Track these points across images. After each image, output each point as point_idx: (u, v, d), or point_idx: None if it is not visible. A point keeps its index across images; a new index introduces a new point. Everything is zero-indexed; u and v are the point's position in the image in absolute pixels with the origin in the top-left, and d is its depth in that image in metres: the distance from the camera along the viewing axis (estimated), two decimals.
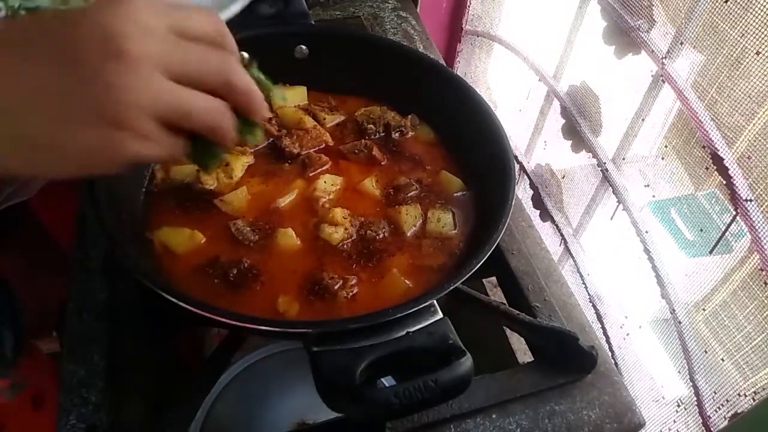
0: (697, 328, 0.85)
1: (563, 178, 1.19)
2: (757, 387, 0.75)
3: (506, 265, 0.84)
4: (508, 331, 1.09)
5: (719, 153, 0.76)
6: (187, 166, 0.78)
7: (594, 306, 1.09)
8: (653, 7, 0.87)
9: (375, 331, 0.54)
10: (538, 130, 1.28)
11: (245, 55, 0.51)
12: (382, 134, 0.88)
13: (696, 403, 0.83)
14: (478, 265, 0.62)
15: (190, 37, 0.41)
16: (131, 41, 0.37)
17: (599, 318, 1.07)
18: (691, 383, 0.84)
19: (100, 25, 0.37)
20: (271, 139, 0.84)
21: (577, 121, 1.09)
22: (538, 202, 1.27)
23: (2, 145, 0.37)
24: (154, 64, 0.39)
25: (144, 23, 0.39)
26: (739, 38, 0.72)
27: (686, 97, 0.81)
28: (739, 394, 0.77)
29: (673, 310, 0.87)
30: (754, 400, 0.75)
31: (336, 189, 0.79)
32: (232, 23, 0.84)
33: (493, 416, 0.70)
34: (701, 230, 0.88)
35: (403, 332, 0.55)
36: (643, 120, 0.94)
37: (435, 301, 0.58)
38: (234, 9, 0.81)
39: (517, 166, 1.11)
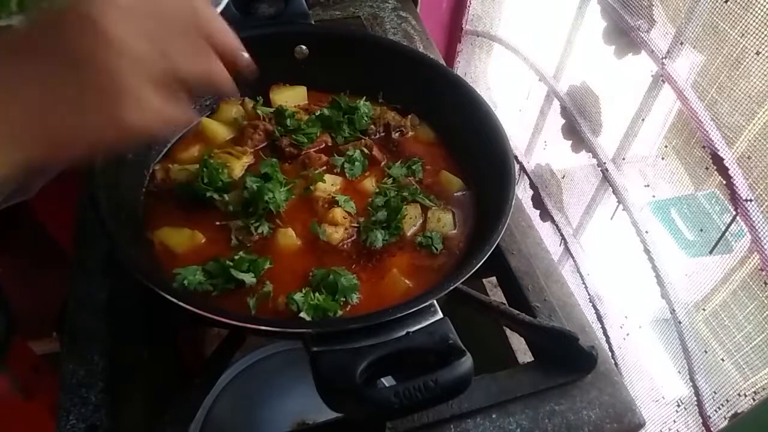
0: (697, 328, 0.85)
1: (563, 178, 1.19)
2: (757, 387, 0.75)
3: (506, 265, 0.84)
4: (508, 331, 1.09)
5: (719, 153, 0.76)
6: (186, 167, 0.78)
7: (594, 306, 1.09)
8: (653, 7, 0.87)
9: (375, 331, 0.54)
10: (538, 130, 1.28)
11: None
12: (382, 134, 0.88)
13: (696, 403, 0.83)
14: (478, 265, 0.62)
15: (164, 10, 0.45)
16: (114, 19, 0.41)
17: (599, 318, 1.07)
18: (691, 383, 0.84)
19: (79, 16, 0.41)
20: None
21: (577, 121, 1.09)
22: (538, 202, 1.27)
23: (30, 147, 0.41)
24: (137, 34, 0.42)
25: (123, 4, 0.42)
26: (739, 38, 0.72)
27: (686, 97, 0.81)
28: (739, 394, 0.77)
29: (673, 310, 0.87)
30: (754, 400, 0.75)
31: (336, 189, 0.79)
32: (232, 23, 0.85)
33: (493, 416, 0.70)
34: (701, 230, 0.87)
35: (403, 332, 0.55)
36: (643, 120, 0.94)
37: (435, 301, 0.58)
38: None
39: (517, 166, 1.11)
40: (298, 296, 0.64)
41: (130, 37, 0.42)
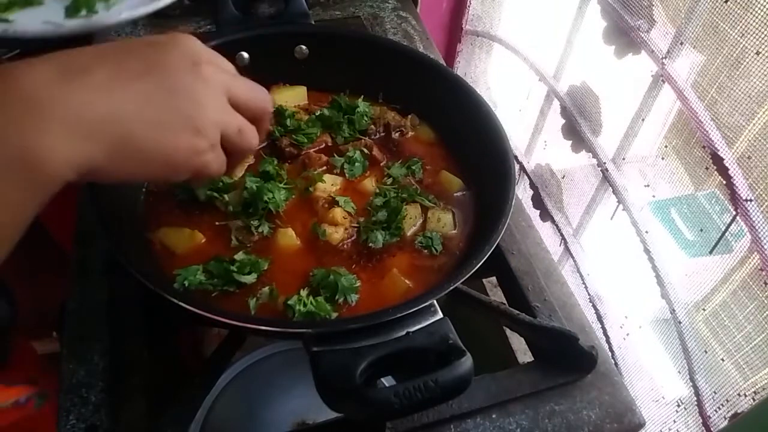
0: (697, 328, 0.85)
1: (563, 178, 1.19)
2: (757, 387, 0.75)
3: (506, 265, 0.84)
4: (508, 331, 1.09)
5: (719, 153, 0.76)
6: None
7: (594, 306, 1.09)
8: (653, 7, 0.87)
9: (375, 331, 0.54)
10: (538, 130, 1.28)
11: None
12: (382, 134, 0.88)
13: (696, 403, 0.83)
14: (478, 265, 0.62)
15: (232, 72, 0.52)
16: (210, 68, 0.47)
17: (599, 318, 1.07)
18: (691, 383, 0.84)
19: (187, 50, 0.46)
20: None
21: (577, 121, 1.09)
22: (538, 202, 1.27)
23: (101, 150, 0.41)
24: (222, 89, 0.48)
25: (213, 56, 0.49)
26: (739, 38, 0.72)
27: (686, 97, 0.81)
28: (739, 394, 0.77)
29: (673, 310, 0.87)
30: (754, 400, 0.75)
31: (336, 189, 0.79)
32: (232, 23, 0.85)
33: (493, 416, 0.70)
34: (701, 230, 0.88)
35: (403, 332, 0.55)
36: (643, 120, 0.94)
37: (435, 301, 0.58)
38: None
39: (517, 166, 1.11)
40: (292, 301, 0.64)
41: (219, 85, 0.48)
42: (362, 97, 0.88)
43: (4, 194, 0.37)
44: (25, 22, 0.87)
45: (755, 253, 0.73)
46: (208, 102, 0.46)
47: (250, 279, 0.66)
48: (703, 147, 0.79)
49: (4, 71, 0.39)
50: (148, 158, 0.44)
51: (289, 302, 0.64)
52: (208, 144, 0.47)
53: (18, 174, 0.37)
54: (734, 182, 0.74)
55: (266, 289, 0.66)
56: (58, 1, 0.91)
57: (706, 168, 0.79)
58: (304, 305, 0.63)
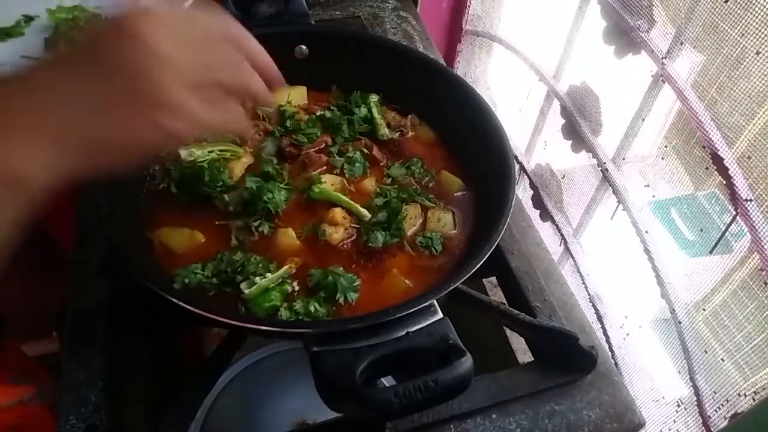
0: (697, 328, 0.85)
1: (563, 178, 1.19)
2: (757, 387, 0.75)
3: (506, 265, 0.84)
4: (508, 331, 1.09)
5: (719, 153, 0.76)
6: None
7: (594, 306, 1.09)
8: (653, 7, 0.87)
9: (375, 331, 0.54)
10: (538, 130, 1.28)
11: None
12: None
13: (696, 403, 0.83)
14: (478, 265, 0.62)
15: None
16: (158, 39, 0.43)
17: (599, 318, 1.07)
18: (691, 383, 0.84)
19: (128, 35, 0.43)
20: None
21: (577, 121, 1.09)
22: (538, 202, 1.27)
23: (74, 153, 0.42)
24: (182, 50, 0.44)
25: (168, 24, 0.45)
26: (739, 38, 0.72)
27: (686, 97, 0.81)
28: (739, 394, 0.77)
29: (673, 310, 0.87)
30: (754, 400, 0.75)
31: (336, 189, 0.79)
32: None
33: (493, 416, 0.70)
34: (701, 230, 0.88)
35: (403, 332, 0.55)
36: (643, 120, 0.94)
37: (435, 301, 0.58)
38: None
39: (517, 166, 1.11)
40: (283, 308, 0.64)
41: (176, 50, 0.44)
42: (364, 104, 0.88)
43: None
44: (3, 55, 0.88)
45: (755, 253, 0.73)
46: (163, 70, 0.44)
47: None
48: (703, 147, 0.79)
49: None
50: (123, 146, 0.44)
51: (281, 309, 0.64)
52: (170, 108, 0.45)
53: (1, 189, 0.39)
54: (734, 182, 0.74)
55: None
56: (38, 33, 0.91)
57: (706, 168, 0.79)
58: (290, 314, 0.64)
